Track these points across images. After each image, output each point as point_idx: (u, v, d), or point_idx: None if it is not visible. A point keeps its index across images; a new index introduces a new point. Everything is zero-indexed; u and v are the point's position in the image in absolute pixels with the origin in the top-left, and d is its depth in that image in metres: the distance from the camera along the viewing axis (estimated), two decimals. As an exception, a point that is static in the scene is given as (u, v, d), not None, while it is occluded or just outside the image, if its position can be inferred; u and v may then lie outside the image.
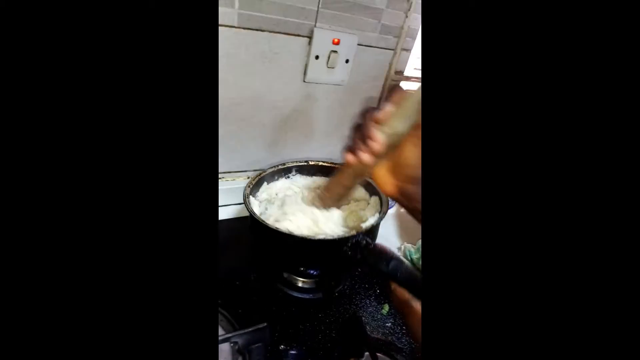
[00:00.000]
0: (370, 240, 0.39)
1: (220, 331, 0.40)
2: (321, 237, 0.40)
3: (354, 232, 0.41)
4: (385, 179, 0.35)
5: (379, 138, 0.31)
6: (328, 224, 0.46)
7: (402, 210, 0.74)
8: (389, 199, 0.49)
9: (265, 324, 0.39)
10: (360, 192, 0.56)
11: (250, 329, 0.39)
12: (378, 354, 0.40)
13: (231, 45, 0.49)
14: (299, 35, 0.53)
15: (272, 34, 0.51)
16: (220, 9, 0.45)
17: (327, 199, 0.45)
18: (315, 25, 0.53)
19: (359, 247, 0.39)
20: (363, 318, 0.47)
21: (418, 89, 0.30)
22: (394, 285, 0.33)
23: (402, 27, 0.61)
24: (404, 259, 0.33)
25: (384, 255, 0.34)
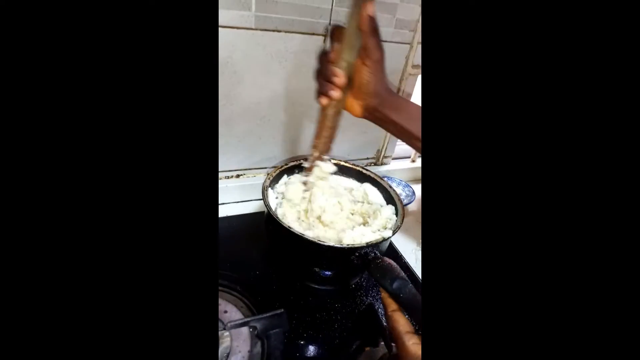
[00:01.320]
0: (378, 254, 0.39)
1: (240, 316, 0.42)
2: (330, 244, 0.41)
3: (363, 244, 0.42)
4: (351, 104, 0.41)
5: (338, 73, 0.38)
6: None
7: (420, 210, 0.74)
8: (404, 211, 0.50)
9: (282, 310, 0.41)
10: (376, 197, 0.56)
11: (268, 314, 0.41)
12: (392, 344, 0.40)
13: (249, 46, 0.51)
14: (314, 34, 0.54)
15: (288, 34, 0.53)
16: (237, 12, 0.48)
17: (319, 145, 0.47)
18: (330, 24, 0.54)
19: (366, 258, 0.39)
20: (379, 309, 0.48)
21: (350, 17, 0.36)
22: (384, 294, 0.33)
23: (417, 21, 0.61)
24: (409, 282, 0.33)
25: (390, 273, 0.34)
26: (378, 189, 0.56)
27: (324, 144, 0.46)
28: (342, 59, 0.38)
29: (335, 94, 0.39)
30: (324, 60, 0.39)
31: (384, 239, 0.43)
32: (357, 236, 0.45)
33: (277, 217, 0.44)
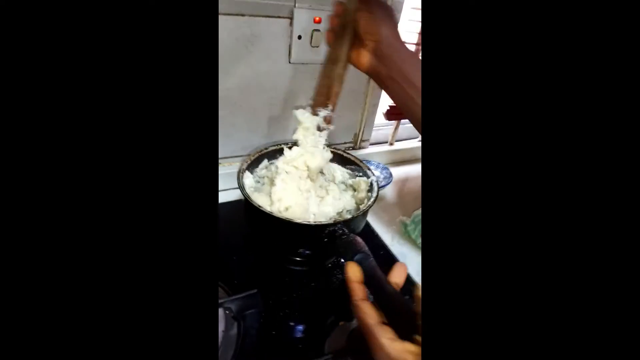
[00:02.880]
0: (346, 231, 0.40)
1: (215, 298, 0.43)
2: (298, 221, 0.42)
3: (332, 221, 0.43)
4: (357, 54, 0.42)
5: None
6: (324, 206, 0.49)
7: (399, 185, 0.75)
8: (378, 189, 0.50)
9: (255, 290, 0.42)
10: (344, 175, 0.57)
11: (241, 295, 0.41)
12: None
13: (213, 31, 0.51)
14: (279, 17, 0.54)
15: (252, 17, 0.52)
16: (198, -4, 0.47)
17: (315, 99, 0.47)
18: (294, 6, 0.54)
19: (334, 235, 0.40)
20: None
21: None
22: (348, 275, 0.31)
23: (385, 1, 0.61)
24: (371, 255, 0.34)
25: (353, 247, 0.35)
26: (356, 172, 0.57)
27: (318, 94, 0.46)
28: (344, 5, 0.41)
29: (333, 20, 0.42)
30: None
31: (354, 217, 0.44)
32: (325, 213, 0.46)
33: (249, 197, 0.44)
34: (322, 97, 0.46)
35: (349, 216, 0.47)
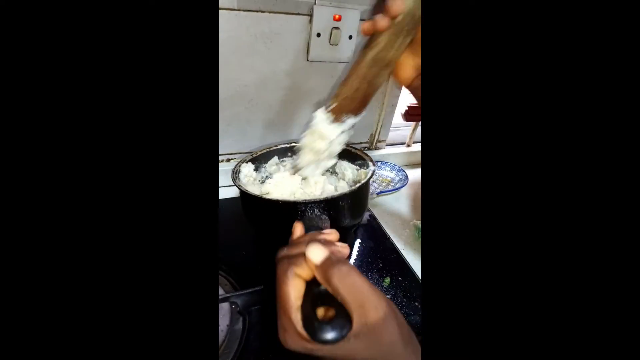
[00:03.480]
0: (317, 212, 0.40)
1: (222, 292, 0.43)
2: (272, 197, 0.44)
3: (303, 200, 0.42)
4: (404, 63, 0.32)
5: (398, 1, 0.28)
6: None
7: (415, 188, 0.73)
8: (370, 178, 0.47)
9: (262, 287, 0.42)
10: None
11: (247, 291, 0.41)
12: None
13: (232, 27, 0.51)
14: (299, 14, 0.54)
15: (271, 14, 0.52)
16: (219, -8, 0.48)
17: (341, 97, 0.36)
18: (314, 3, 0.54)
19: (304, 214, 0.40)
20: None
21: None
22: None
23: None
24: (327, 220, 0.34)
25: (315, 223, 0.37)
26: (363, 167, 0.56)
27: (346, 97, 0.36)
28: None
29: (382, 21, 0.28)
30: None
31: (327, 198, 0.42)
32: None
33: (241, 185, 0.46)
34: (355, 104, 0.36)
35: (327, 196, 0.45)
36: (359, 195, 0.49)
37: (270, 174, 0.56)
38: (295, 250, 0.29)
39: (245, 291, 0.41)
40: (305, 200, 0.42)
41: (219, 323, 0.40)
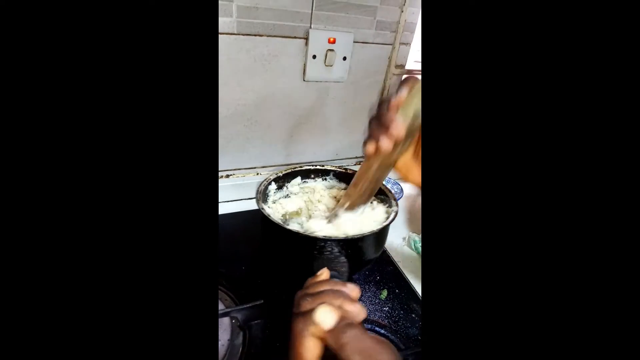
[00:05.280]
0: (335, 250, 0.40)
1: (222, 307, 0.44)
2: (291, 228, 0.43)
3: (322, 236, 0.42)
4: (409, 166, 0.35)
5: (398, 121, 0.31)
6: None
7: (411, 201, 0.75)
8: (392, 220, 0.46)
9: (262, 301, 0.43)
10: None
11: (247, 305, 0.42)
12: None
13: (232, 50, 0.54)
14: (295, 37, 0.57)
15: (269, 37, 0.55)
16: (220, 19, 0.50)
17: (354, 197, 0.43)
18: (310, 27, 0.57)
19: (322, 250, 0.40)
20: (362, 301, 0.49)
21: None
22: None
23: (398, 22, 0.63)
24: (343, 275, 0.35)
25: (334, 265, 0.37)
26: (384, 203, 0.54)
27: (358, 196, 0.43)
28: (407, 110, 0.31)
29: (386, 144, 0.31)
30: (385, 107, 0.32)
31: (346, 238, 0.42)
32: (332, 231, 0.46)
33: (265, 211, 0.45)
34: (364, 198, 0.44)
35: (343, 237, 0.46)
36: (380, 235, 0.48)
37: (292, 193, 0.57)
38: (309, 305, 0.28)
39: (245, 306, 0.42)
40: (325, 237, 0.42)
41: (220, 337, 0.40)
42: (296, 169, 0.56)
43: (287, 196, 0.56)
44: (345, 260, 0.40)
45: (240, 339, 0.42)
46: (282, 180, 0.55)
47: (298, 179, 0.57)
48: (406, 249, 0.61)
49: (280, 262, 0.52)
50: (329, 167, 0.58)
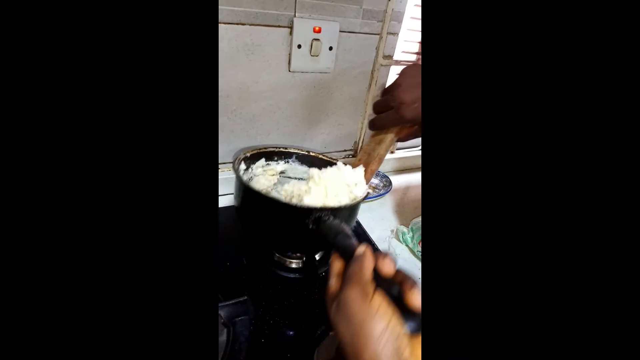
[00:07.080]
0: (332, 217, 0.40)
1: (206, 304, 0.43)
2: (286, 201, 0.43)
3: (319, 206, 0.42)
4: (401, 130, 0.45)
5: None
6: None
7: (400, 194, 0.74)
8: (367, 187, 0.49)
9: (245, 297, 0.42)
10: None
11: (231, 302, 0.41)
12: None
13: (213, 39, 0.52)
14: (279, 26, 0.55)
15: (252, 26, 0.53)
16: (199, 6, 0.48)
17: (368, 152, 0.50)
18: (294, 15, 0.55)
19: (319, 221, 0.40)
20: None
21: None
22: (333, 257, 0.33)
23: (385, 11, 0.62)
24: (353, 236, 0.34)
25: (335, 229, 0.36)
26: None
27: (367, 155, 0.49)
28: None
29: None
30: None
31: (342, 206, 0.43)
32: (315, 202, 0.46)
33: (245, 181, 0.45)
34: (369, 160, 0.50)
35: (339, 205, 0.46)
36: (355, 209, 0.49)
37: (256, 175, 0.56)
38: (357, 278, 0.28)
39: (229, 302, 0.41)
40: (322, 206, 0.42)
41: (203, 335, 0.40)
42: (261, 150, 0.56)
43: (250, 179, 0.55)
44: (338, 221, 0.40)
45: (224, 336, 0.41)
46: (249, 161, 0.54)
47: (262, 161, 0.57)
48: (394, 241, 0.61)
49: (262, 237, 0.51)
50: (292, 150, 0.58)
